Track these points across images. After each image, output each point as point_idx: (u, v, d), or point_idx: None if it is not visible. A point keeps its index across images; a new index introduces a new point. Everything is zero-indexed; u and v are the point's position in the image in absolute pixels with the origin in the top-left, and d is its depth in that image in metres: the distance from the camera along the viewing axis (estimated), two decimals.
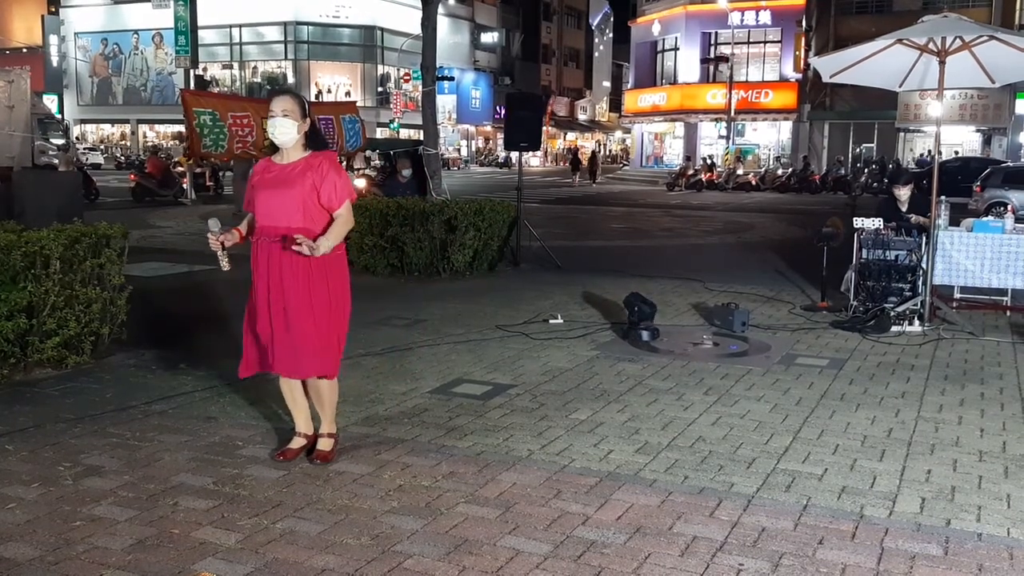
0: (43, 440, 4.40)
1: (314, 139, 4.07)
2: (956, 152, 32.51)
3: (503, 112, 14.76)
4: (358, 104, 13.90)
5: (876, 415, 5.01)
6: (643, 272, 10.72)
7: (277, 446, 4.34)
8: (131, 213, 18.48)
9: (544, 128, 38.90)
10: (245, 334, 4.16)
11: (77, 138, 48.03)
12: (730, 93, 38.05)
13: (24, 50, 48.87)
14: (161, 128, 50.72)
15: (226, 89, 46.55)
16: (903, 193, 8.04)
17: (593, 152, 45.74)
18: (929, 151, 36.40)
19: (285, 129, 3.94)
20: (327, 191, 3.94)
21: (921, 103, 33.89)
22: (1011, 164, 23.79)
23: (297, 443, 4.23)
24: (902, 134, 37.81)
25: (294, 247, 3.81)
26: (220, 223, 3.95)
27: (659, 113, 44.14)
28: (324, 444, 4.18)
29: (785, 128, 40.69)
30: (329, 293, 4.01)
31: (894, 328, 7.29)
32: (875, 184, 30.16)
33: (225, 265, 4.00)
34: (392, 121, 45.23)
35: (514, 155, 25.03)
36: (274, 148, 4.12)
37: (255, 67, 49.18)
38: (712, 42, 41.67)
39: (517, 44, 63.63)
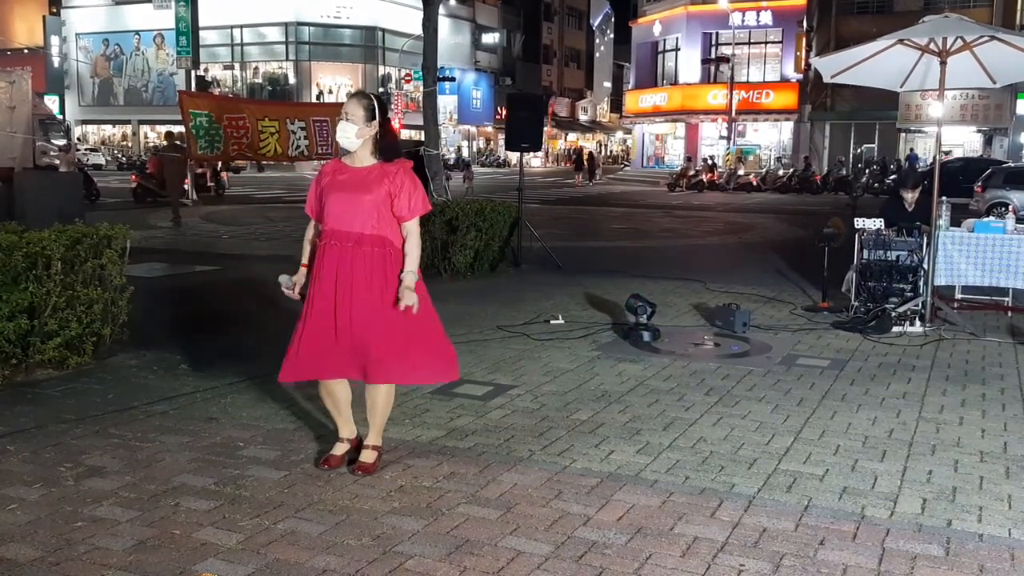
0: (44, 441, 4.41)
1: (384, 145, 3.96)
2: (948, 152, 32.45)
3: (504, 112, 14.76)
4: None
5: (877, 416, 5.01)
6: (644, 272, 10.72)
7: (280, 448, 4.34)
8: (132, 214, 18.48)
9: (545, 129, 39.13)
10: (298, 338, 3.94)
11: (78, 139, 48.08)
12: (731, 93, 38.06)
13: (25, 51, 48.90)
14: (162, 129, 50.67)
15: (227, 90, 46.60)
16: (911, 196, 8.02)
17: (591, 152, 46.33)
18: (912, 150, 36.54)
19: (345, 132, 3.89)
20: (402, 202, 3.88)
21: (922, 103, 33.89)
22: (1012, 164, 23.78)
23: (340, 449, 4.13)
24: (903, 134, 37.81)
25: (403, 306, 3.78)
26: (289, 276, 4.00)
27: (660, 114, 44.15)
28: (368, 456, 4.07)
29: (786, 128, 40.70)
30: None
31: (895, 329, 7.29)
32: (876, 184, 30.16)
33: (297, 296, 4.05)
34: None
35: (513, 156, 25.75)
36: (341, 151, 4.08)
37: (256, 68, 49.20)
38: (713, 42, 41.67)
39: (518, 45, 63.67)
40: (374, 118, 3.91)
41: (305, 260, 4.08)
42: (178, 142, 16.46)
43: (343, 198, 3.89)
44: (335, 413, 4.15)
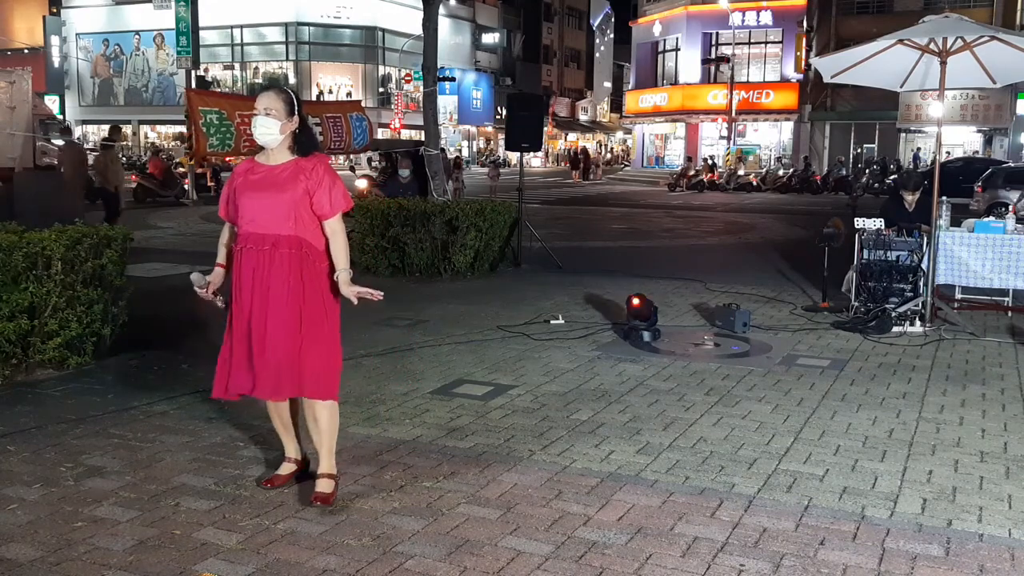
0: (45, 441, 4.41)
1: (302, 140, 3.70)
2: (948, 153, 32.43)
3: (504, 112, 14.75)
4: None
5: (877, 416, 5.01)
6: (644, 273, 10.72)
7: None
8: (132, 214, 18.45)
9: (546, 129, 39.51)
10: (226, 351, 3.72)
11: (78, 139, 48.02)
12: (731, 94, 38.05)
13: (25, 51, 48.85)
14: (163, 129, 50.76)
15: (227, 90, 46.58)
16: (912, 198, 8.02)
17: (586, 150, 47.49)
18: (918, 148, 36.59)
19: (266, 129, 3.61)
20: (321, 198, 3.60)
21: (922, 103, 33.90)
22: (1012, 164, 23.77)
23: (286, 469, 3.92)
24: (903, 134, 37.81)
25: (359, 297, 3.57)
26: (202, 275, 3.74)
27: (660, 114, 44.15)
28: (324, 485, 3.72)
29: (786, 128, 40.68)
30: (324, 307, 3.69)
31: (895, 329, 7.29)
32: (876, 185, 30.17)
33: (221, 304, 3.79)
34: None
35: (513, 156, 25.89)
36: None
37: (256, 68, 49.21)
38: (713, 42, 41.66)
39: (518, 45, 63.63)
40: (294, 112, 3.65)
41: (221, 260, 3.84)
42: (76, 138, 14.45)
43: (256, 198, 3.62)
44: (280, 430, 3.91)
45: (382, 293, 3.67)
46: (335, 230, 3.67)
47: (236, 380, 3.68)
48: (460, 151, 53.83)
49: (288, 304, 3.60)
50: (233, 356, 3.69)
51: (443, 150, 29.81)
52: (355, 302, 3.64)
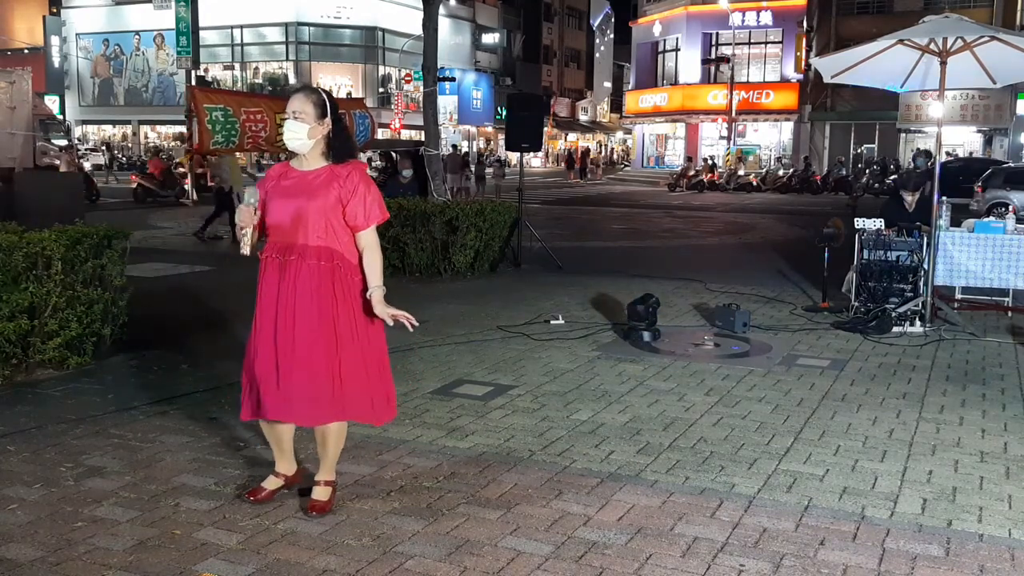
0: (45, 441, 4.41)
1: (337, 145, 3.50)
2: (948, 153, 32.40)
3: (504, 112, 14.75)
4: None
5: (877, 416, 5.01)
6: (644, 273, 10.72)
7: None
8: (132, 214, 18.49)
9: (546, 129, 39.75)
10: (244, 370, 3.56)
11: (78, 139, 48.07)
12: (731, 94, 38.08)
13: (26, 51, 48.87)
14: (163, 129, 50.75)
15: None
16: (911, 198, 8.03)
17: (584, 149, 48.19)
18: (917, 148, 36.61)
19: (293, 133, 3.43)
20: (355, 208, 3.42)
21: (922, 104, 33.89)
22: (1012, 165, 23.77)
23: (273, 483, 3.70)
24: (903, 135, 37.81)
25: (392, 322, 3.39)
26: (257, 191, 3.48)
27: (660, 114, 44.18)
28: (321, 493, 3.59)
29: (786, 129, 40.70)
30: (358, 326, 3.48)
31: (895, 329, 7.29)
32: (876, 185, 30.17)
33: (246, 249, 3.51)
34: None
35: (513, 156, 25.93)
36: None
37: (256, 68, 49.21)
38: (713, 43, 41.69)
39: (518, 45, 63.64)
40: (325, 115, 3.45)
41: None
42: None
43: (285, 205, 3.43)
44: (275, 448, 3.72)
45: (418, 323, 3.49)
46: (369, 243, 3.50)
47: (265, 402, 3.46)
48: (459, 150, 53.90)
49: (319, 322, 3.40)
50: (258, 375, 3.47)
51: (457, 147, 29.80)
52: (390, 323, 3.47)
